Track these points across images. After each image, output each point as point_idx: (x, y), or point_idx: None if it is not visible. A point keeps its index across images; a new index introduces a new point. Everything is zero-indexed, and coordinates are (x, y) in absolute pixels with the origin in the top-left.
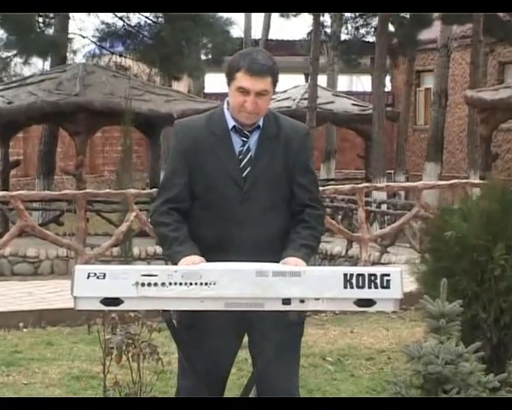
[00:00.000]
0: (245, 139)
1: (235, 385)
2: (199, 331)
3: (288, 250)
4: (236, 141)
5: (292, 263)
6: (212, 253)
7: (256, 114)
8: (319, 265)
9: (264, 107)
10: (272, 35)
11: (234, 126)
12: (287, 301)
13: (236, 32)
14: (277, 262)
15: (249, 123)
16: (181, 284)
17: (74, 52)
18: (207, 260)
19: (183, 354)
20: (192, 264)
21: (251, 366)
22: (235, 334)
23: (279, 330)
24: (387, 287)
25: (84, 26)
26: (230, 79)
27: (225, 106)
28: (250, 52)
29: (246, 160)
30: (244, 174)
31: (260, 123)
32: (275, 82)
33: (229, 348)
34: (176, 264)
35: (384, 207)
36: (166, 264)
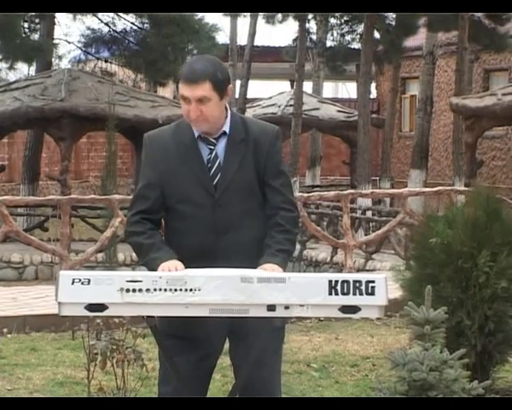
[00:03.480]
0: (212, 147)
1: (219, 392)
2: (182, 337)
3: (264, 256)
4: (204, 149)
5: (269, 269)
6: (192, 262)
7: (204, 121)
8: (304, 271)
9: (211, 113)
10: (258, 41)
11: (200, 135)
12: (272, 308)
13: (222, 38)
14: (256, 266)
15: (202, 130)
16: (166, 290)
17: (60, 57)
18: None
19: (166, 360)
20: (174, 269)
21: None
22: (217, 340)
23: (261, 335)
24: (372, 294)
25: (69, 32)
26: (178, 89)
27: None
28: (191, 61)
29: (215, 167)
30: (214, 182)
31: (227, 129)
32: (218, 87)
33: (211, 354)
34: (154, 270)
35: (369, 213)
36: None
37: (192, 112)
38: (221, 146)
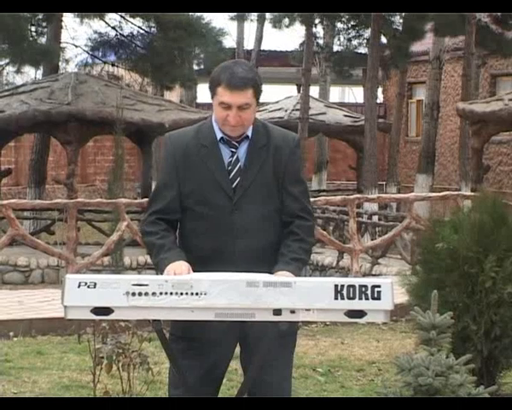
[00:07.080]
0: (233, 150)
1: (225, 395)
2: (192, 340)
3: (278, 264)
4: (225, 152)
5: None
6: (206, 263)
7: (241, 127)
8: (310, 276)
9: (249, 118)
10: (265, 46)
11: (222, 138)
12: (277, 312)
13: (229, 42)
14: (271, 272)
15: (235, 135)
16: (171, 293)
17: (66, 61)
18: (201, 270)
19: (172, 365)
20: (179, 270)
21: (241, 376)
22: (228, 345)
23: (272, 341)
24: (378, 298)
25: (76, 36)
26: (212, 93)
27: (213, 117)
28: (230, 65)
29: (235, 170)
30: (234, 185)
31: (249, 133)
32: (257, 93)
33: (220, 361)
34: (162, 271)
35: (375, 218)
36: (157, 274)
37: (232, 118)
38: (242, 150)
